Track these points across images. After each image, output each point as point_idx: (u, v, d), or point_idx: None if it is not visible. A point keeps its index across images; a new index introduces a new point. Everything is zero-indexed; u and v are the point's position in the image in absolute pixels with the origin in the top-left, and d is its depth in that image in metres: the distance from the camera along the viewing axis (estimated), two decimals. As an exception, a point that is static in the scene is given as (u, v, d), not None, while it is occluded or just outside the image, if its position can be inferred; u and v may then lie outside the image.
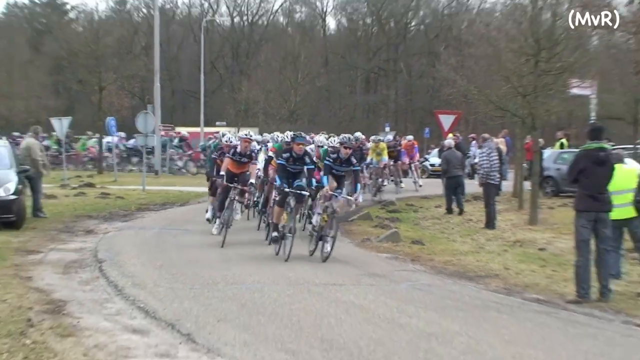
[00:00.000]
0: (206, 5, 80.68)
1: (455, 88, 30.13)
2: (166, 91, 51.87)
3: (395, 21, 78.94)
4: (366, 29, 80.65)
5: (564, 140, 32.88)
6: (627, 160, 13.04)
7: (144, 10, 76.79)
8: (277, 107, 59.92)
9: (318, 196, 16.22)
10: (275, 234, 15.41)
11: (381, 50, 78.97)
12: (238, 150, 16.69)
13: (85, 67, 50.38)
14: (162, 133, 46.37)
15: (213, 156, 19.73)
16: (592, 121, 29.89)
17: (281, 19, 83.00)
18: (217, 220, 17.21)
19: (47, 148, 44.42)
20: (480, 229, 18.77)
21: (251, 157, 16.78)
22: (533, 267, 14.40)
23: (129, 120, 45.82)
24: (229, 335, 9.10)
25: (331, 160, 15.30)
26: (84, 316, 9.89)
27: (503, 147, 24.47)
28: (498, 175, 21.44)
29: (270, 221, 16.26)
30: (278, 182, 15.22)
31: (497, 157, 21.41)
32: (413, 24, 79.65)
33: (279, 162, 15.57)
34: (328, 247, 14.76)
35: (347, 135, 16.41)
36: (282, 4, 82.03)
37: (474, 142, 30.68)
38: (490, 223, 19.83)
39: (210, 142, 24.94)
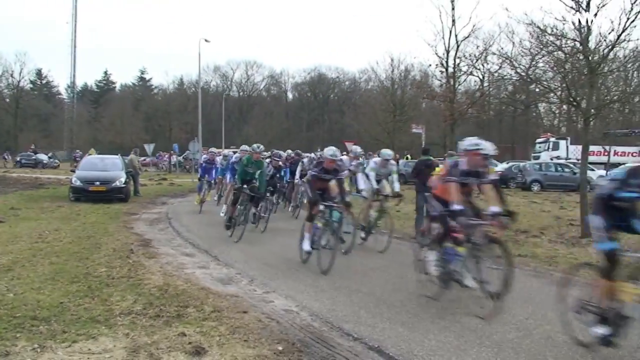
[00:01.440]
0: (225, 86, 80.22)
1: (354, 129, 30.30)
2: (204, 129, 50.62)
3: (322, 94, 79.35)
4: (308, 98, 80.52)
5: (408, 155, 33.70)
6: (441, 165, 13.17)
7: (193, 89, 75.33)
8: (261, 139, 59.35)
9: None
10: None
11: (316, 109, 79.00)
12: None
13: (162, 118, 49.84)
14: (204, 151, 45.85)
15: (314, 172, 9.24)
16: (423, 145, 30.29)
17: (264, 93, 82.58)
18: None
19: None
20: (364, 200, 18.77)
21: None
22: (384, 220, 14.20)
23: (184, 146, 45.23)
24: (236, 256, 8.99)
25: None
26: (160, 247, 9.69)
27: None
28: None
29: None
30: (458, 207, 5.93)
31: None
32: (331, 96, 79.99)
33: (452, 180, 6.13)
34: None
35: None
36: (264, 85, 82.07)
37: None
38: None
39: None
